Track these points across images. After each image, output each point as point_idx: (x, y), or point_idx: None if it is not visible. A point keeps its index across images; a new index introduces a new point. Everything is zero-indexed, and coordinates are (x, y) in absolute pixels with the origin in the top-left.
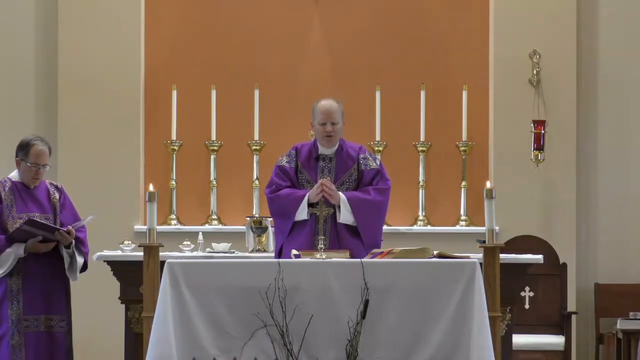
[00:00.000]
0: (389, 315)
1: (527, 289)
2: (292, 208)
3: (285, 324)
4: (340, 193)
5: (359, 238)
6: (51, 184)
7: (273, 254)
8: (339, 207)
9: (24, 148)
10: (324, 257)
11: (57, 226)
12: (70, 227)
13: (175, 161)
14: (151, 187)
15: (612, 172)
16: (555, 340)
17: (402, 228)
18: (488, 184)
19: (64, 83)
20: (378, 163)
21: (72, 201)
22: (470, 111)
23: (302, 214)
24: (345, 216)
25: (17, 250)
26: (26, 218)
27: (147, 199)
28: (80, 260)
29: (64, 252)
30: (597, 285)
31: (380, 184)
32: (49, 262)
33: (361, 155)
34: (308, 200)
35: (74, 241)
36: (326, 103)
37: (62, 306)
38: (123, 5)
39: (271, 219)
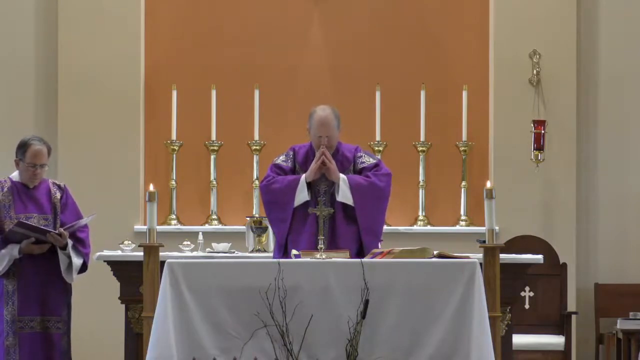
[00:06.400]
0: (389, 315)
1: (527, 289)
2: (290, 190)
3: (285, 324)
4: (340, 174)
5: (356, 227)
6: (54, 183)
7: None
8: (338, 185)
9: (22, 148)
10: (324, 257)
11: (57, 226)
12: (62, 230)
13: (175, 161)
14: (151, 187)
15: (612, 172)
16: (555, 340)
17: (402, 228)
18: (488, 184)
19: (64, 82)
20: (377, 158)
21: (75, 201)
22: (470, 111)
23: (301, 194)
24: (344, 193)
25: (11, 252)
26: (18, 219)
27: (147, 199)
28: (77, 261)
29: (60, 254)
30: (597, 285)
31: (381, 172)
32: (47, 264)
33: (357, 155)
34: (306, 181)
35: (70, 242)
36: (322, 115)
37: (59, 308)
38: (123, 5)
39: None
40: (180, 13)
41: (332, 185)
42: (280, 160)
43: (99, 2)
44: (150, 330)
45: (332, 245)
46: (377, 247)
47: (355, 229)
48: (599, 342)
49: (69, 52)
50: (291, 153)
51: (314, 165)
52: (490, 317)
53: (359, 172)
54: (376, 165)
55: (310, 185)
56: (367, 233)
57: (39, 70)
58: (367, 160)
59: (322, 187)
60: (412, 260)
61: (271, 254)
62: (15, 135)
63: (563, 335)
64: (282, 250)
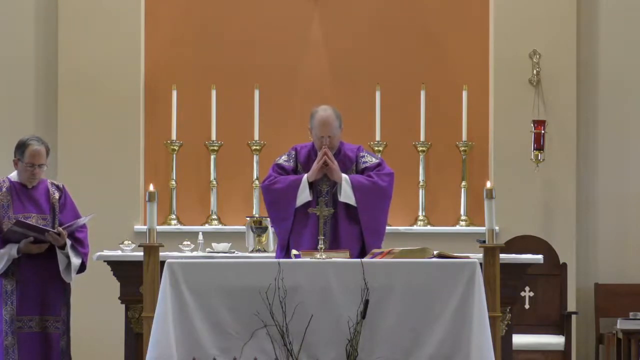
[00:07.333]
0: (389, 315)
1: (527, 289)
2: (291, 190)
3: (285, 324)
4: (343, 174)
5: (358, 227)
6: (52, 183)
7: (273, 254)
8: (340, 185)
9: (20, 148)
10: (324, 257)
11: (56, 226)
12: (60, 229)
13: (175, 161)
14: (151, 187)
15: (612, 172)
16: (555, 340)
17: (402, 228)
18: (488, 184)
19: (64, 83)
20: (379, 157)
21: (73, 201)
22: (470, 111)
23: (303, 194)
24: (347, 192)
25: (10, 251)
26: (17, 219)
27: (147, 199)
28: (76, 261)
29: (59, 253)
30: (597, 285)
31: (383, 172)
32: (46, 264)
33: (360, 154)
34: (308, 181)
35: (69, 242)
36: (324, 115)
37: (58, 307)
38: (123, 5)
39: None
40: (180, 13)
41: (334, 185)
42: (282, 160)
43: (99, 2)
44: (150, 330)
45: (335, 245)
46: (379, 247)
47: (357, 229)
48: (599, 342)
49: (69, 52)
50: (293, 153)
51: (315, 166)
52: (490, 317)
53: (362, 171)
54: (378, 165)
55: (312, 185)
56: (369, 233)
57: (39, 70)
58: (370, 159)
59: (324, 187)
60: (412, 260)
61: (271, 254)
62: (15, 135)
63: (563, 335)
64: (284, 251)
